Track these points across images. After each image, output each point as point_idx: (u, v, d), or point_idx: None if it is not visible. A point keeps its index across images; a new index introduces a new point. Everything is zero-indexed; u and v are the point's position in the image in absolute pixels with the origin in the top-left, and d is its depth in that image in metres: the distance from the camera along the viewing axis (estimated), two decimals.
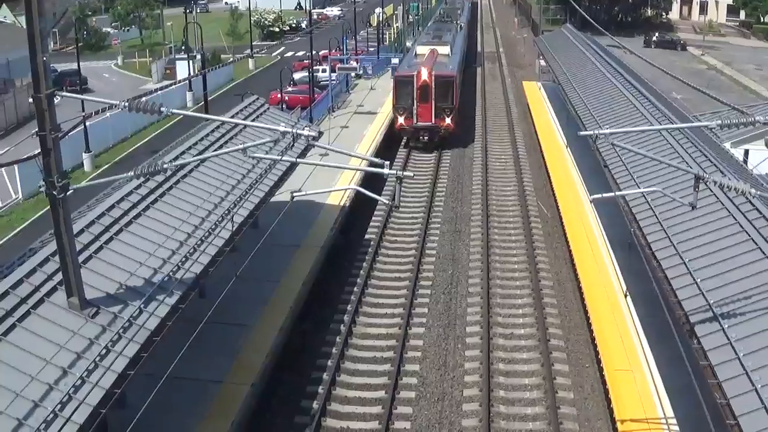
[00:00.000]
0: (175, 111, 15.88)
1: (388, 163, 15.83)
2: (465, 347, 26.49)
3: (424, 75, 49.74)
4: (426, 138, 50.50)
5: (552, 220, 37.73)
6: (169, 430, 19.75)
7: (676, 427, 19.73)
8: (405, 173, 16.03)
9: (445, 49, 60.09)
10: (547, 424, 22.34)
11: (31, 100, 14.62)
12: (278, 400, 23.41)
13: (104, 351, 14.96)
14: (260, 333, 25.00)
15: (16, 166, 41.24)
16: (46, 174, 14.74)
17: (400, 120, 50.45)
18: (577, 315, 28.54)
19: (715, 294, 17.45)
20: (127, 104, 14.75)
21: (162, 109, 14.84)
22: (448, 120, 50.29)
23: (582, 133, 16.95)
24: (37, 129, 14.62)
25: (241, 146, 15.72)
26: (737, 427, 14.05)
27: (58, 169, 14.73)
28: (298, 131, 15.00)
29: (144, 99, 15.35)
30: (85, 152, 52.00)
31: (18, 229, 40.74)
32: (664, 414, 20.31)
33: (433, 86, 49.69)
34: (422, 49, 60.61)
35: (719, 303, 17.09)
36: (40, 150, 14.71)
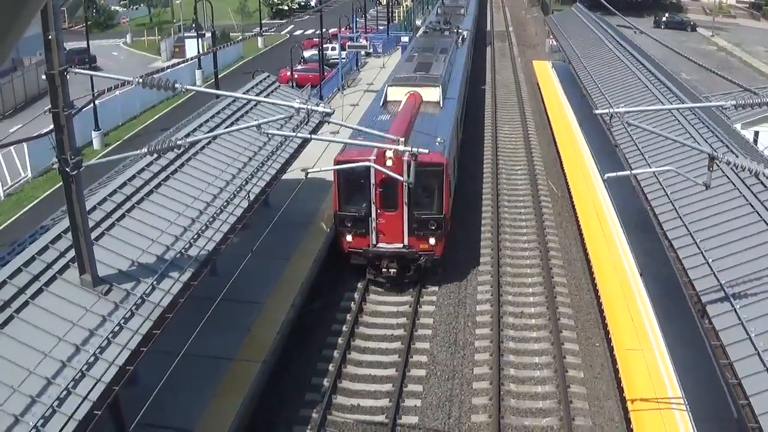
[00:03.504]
0: (189, 87, 15.90)
1: (402, 139, 15.84)
2: (475, 326, 26.51)
3: (390, 161, 25.74)
4: (393, 271, 28.46)
5: (562, 199, 37.67)
6: (182, 406, 19.81)
7: (687, 407, 19.73)
8: (420, 150, 16.05)
9: (433, 94, 34.44)
10: (557, 402, 22.36)
11: (43, 77, 14.56)
12: (289, 377, 23.46)
13: (117, 328, 15.04)
14: (271, 310, 25.06)
15: (25, 144, 41.34)
16: (59, 151, 14.76)
17: (348, 237, 28.50)
18: (588, 294, 28.51)
19: (727, 274, 17.45)
20: (141, 81, 14.75)
21: (176, 85, 14.85)
22: (432, 240, 27.96)
23: (597, 111, 16.88)
24: (49, 106, 14.64)
25: (255, 122, 15.74)
26: (749, 407, 14.06)
27: (71, 146, 14.76)
28: (313, 108, 15.02)
29: (156, 76, 15.37)
30: (94, 130, 51.84)
31: (27, 207, 40.77)
32: (675, 394, 20.30)
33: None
34: (396, 93, 34.41)
35: (731, 283, 17.09)
36: (53, 127, 14.73)
